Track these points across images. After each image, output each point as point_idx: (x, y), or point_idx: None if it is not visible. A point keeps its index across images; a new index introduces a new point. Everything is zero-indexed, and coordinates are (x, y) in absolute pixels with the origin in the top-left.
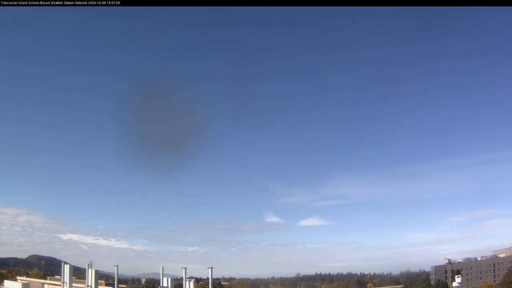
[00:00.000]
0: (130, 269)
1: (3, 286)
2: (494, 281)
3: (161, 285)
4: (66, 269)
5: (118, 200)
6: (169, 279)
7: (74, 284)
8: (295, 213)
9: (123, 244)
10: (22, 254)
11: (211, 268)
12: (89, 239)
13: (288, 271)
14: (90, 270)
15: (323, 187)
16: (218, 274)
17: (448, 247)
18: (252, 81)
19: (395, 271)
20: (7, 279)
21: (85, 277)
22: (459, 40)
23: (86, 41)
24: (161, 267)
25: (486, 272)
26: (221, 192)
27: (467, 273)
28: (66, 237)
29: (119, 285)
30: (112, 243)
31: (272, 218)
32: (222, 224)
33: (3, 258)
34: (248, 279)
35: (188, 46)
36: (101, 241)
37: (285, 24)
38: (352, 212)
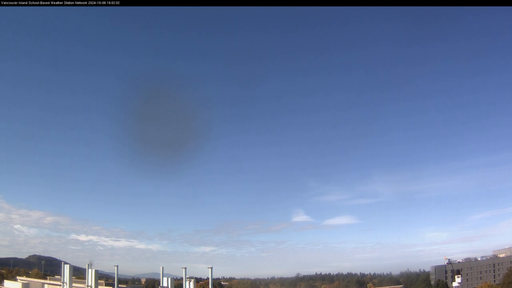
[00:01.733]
0: (138, 269)
1: (3, 286)
2: (494, 281)
3: (161, 285)
4: (66, 269)
5: (143, 201)
6: (169, 279)
7: (74, 284)
8: (326, 212)
9: (141, 245)
10: (22, 254)
11: (211, 268)
12: (109, 241)
13: (289, 271)
14: (90, 270)
15: (358, 185)
16: (232, 274)
17: (463, 246)
18: (253, 82)
19: (395, 271)
20: (7, 279)
21: (85, 277)
22: (461, 40)
23: (86, 42)
24: (161, 267)
25: (486, 272)
26: (252, 192)
27: (467, 273)
28: (86, 238)
29: (119, 285)
30: (132, 244)
31: (301, 218)
32: (252, 225)
33: (3, 258)
34: (248, 279)
35: (188, 47)
36: (122, 243)
37: (286, 24)
38: (382, 210)
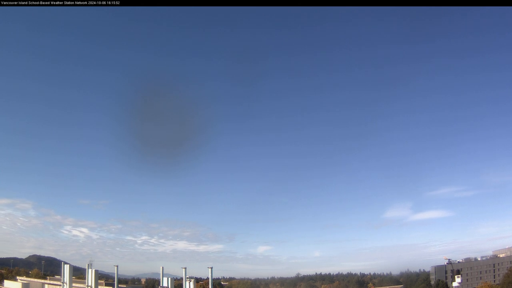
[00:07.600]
0: (138, 269)
1: (3, 286)
2: (494, 281)
3: (161, 285)
4: (66, 269)
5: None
6: (169, 279)
7: (74, 284)
8: (421, 206)
9: (191, 246)
10: (22, 254)
11: (211, 268)
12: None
13: (289, 271)
14: (90, 270)
15: (461, 175)
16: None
17: None
18: (253, 81)
19: (395, 271)
20: (7, 279)
21: (85, 277)
22: (461, 39)
23: (87, 39)
24: (161, 267)
25: (486, 272)
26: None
27: (467, 273)
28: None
29: (119, 285)
30: (183, 246)
31: (396, 213)
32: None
33: (3, 258)
34: (248, 279)
35: (189, 45)
36: (178, 245)
37: (285, 23)
38: (487, 202)
